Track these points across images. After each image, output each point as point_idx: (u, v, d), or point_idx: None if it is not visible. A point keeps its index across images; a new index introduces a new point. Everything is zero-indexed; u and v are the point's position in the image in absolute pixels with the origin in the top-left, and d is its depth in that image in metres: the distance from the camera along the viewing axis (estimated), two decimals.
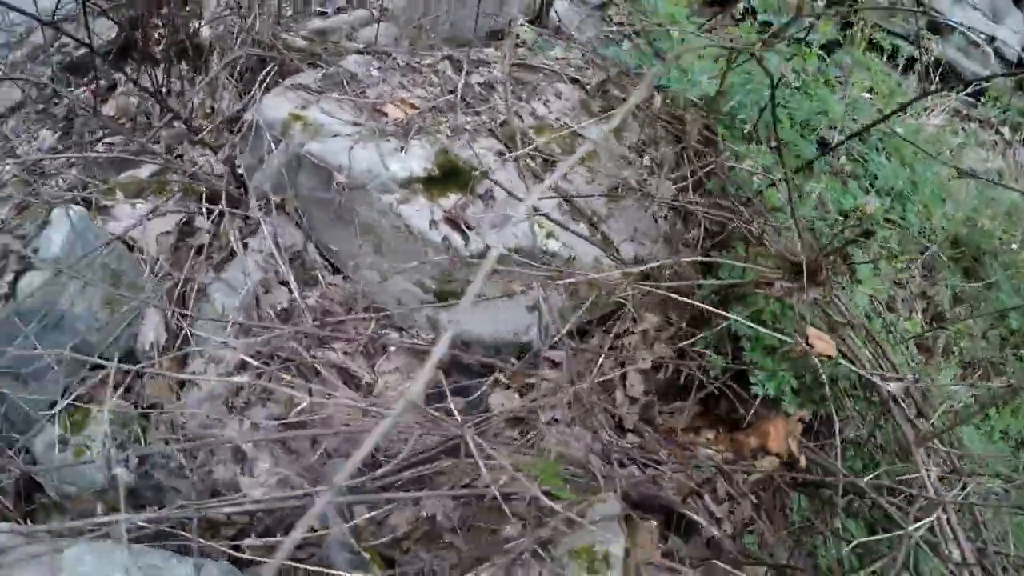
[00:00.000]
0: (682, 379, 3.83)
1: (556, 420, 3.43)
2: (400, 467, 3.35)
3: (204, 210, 3.89)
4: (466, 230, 3.40)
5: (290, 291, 3.56)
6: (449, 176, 3.50)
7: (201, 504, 2.63)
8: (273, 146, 3.56)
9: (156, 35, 4.46)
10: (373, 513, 3.25)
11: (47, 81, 4.58)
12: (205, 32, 4.46)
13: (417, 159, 3.47)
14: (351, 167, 3.37)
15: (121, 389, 3.73)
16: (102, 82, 4.62)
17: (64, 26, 4.84)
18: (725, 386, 3.80)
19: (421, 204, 3.40)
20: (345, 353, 3.47)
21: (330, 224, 3.57)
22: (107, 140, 4.38)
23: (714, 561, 3.71)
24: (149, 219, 3.80)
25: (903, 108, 3.83)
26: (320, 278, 3.57)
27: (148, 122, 4.37)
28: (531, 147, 3.51)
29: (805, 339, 2.94)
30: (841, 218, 3.76)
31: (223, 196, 3.67)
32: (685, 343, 3.76)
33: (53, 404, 3.56)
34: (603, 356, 3.58)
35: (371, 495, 3.23)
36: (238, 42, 3.99)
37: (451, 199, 3.45)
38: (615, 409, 3.58)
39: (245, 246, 3.66)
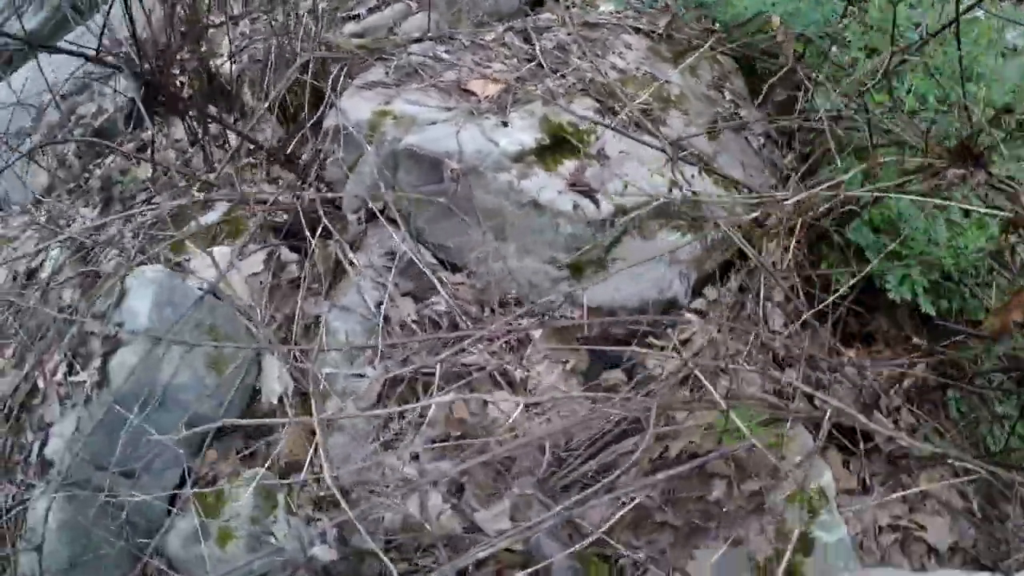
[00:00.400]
0: (815, 304, 3.60)
1: (722, 371, 3.18)
2: (584, 458, 3.08)
3: (290, 243, 3.56)
4: (592, 194, 3.12)
5: (416, 301, 3.24)
6: (559, 143, 3.22)
7: (455, 558, 2.31)
8: (366, 147, 3.22)
9: (178, 83, 4.10)
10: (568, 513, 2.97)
11: (73, 157, 4.19)
12: (227, 67, 4.10)
13: (523, 131, 3.18)
14: (461, 151, 3.06)
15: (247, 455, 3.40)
16: (131, 144, 4.26)
17: (80, 97, 4.49)
18: (854, 306, 3.60)
19: (540, 176, 3.12)
20: (491, 353, 3.17)
21: (441, 220, 3.26)
22: (154, 200, 3.99)
23: (900, 475, 3.52)
24: (239, 260, 3.45)
25: None
26: (442, 280, 3.24)
27: (193, 172, 3.99)
28: (639, 101, 3.25)
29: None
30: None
31: (319, 214, 3.32)
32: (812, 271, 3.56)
33: (173, 499, 3.18)
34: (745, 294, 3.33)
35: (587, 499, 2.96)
36: (285, 57, 3.62)
37: (567, 165, 3.17)
38: (771, 343, 3.33)
39: (352, 264, 3.33)
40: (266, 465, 3.28)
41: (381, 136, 3.23)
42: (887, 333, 3.79)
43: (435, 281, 3.24)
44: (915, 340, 3.64)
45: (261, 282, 3.52)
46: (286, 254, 3.59)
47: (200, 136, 3.86)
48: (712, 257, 3.34)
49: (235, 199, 3.49)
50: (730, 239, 3.32)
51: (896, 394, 3.57)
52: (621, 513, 2.93)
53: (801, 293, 3.63)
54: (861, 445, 3.31)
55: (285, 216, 3.56)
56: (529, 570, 2.34)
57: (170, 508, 3.15)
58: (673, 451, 3.02)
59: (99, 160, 4.49)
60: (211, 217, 3.77)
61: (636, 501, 2.99)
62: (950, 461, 3.45)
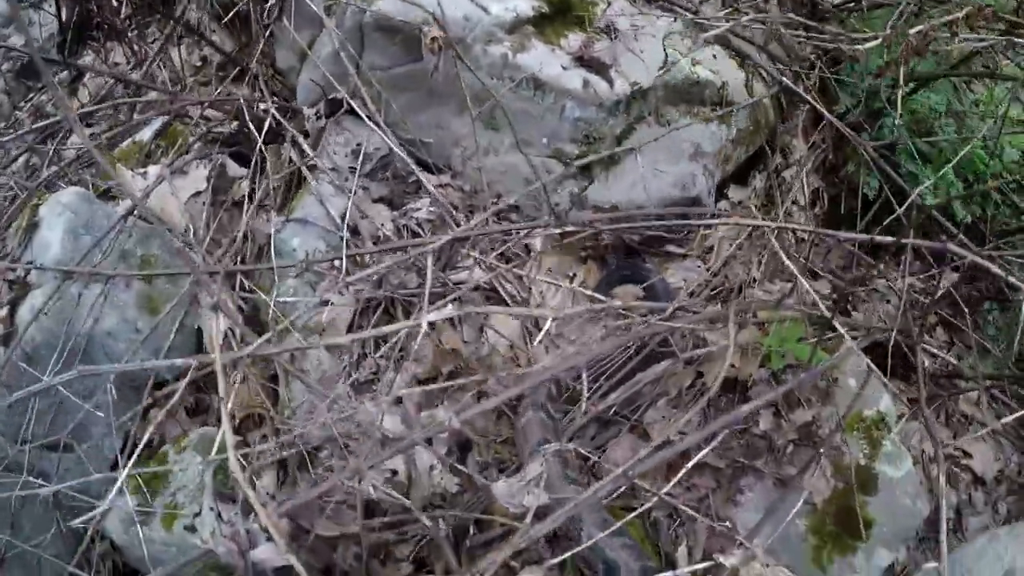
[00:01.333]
0: (842, 209, 2.92)
1: (755, 280, 2.49)
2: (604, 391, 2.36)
3: (236, 151, 2.74)
4: (605, 70, 2.37)
5: (391, 208, 2.47)
6: (561, 11, 2.48)
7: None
8: (325, 20, 2.41)
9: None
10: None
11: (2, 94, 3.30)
12: None
13: None
14: (443, 18, 2.27)
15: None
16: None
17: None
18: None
19: (540, 49, 2.38)
20: (485, 269, 2.41)
21: (419, 110, 2.49)
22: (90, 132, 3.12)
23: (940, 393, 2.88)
24: (172, 176, 2.62)
25: None
26: (423, 183, 2.47)
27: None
28: None
29: None
30: None
31: (267, 110, 2.51)
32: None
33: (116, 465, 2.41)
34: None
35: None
36: None
37: (572, 39, 2.43)
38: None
39: (312, 169, 2.53)
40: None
41: (343, 6, 2.42)
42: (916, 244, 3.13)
43: (420, 177, 2.46)
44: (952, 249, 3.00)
45: (204, 203, 2.70)
46: (233, 168, 2.77)
47: (139, 54, 3.02)
48: (736, 152, 2.62)
49: (168, 103, 2.65)
50: (754, 132, 2.62)
51: (930, 310, 2.93)
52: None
53: (826, 199, 2.96)
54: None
55: (234, 123, 2.73)
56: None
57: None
58: (709, 379, 2.31)
59: (30, 96, 3.61)
60: (146, 134, 2.93)
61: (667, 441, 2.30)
62: (990, 383, 2.84)
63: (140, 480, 2.31)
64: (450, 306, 1.49)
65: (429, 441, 2.07)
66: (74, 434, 2.32)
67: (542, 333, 1.51)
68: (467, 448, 2.12)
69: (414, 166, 2.39)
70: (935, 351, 2.79)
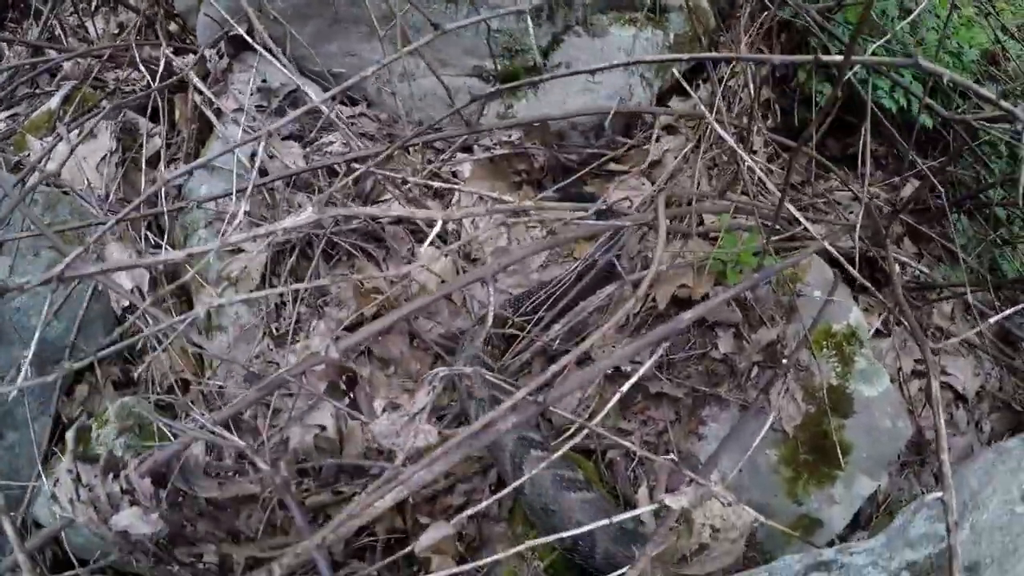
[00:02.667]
0: (795, 121, 2.46)
1: (705, 198, 2.03)
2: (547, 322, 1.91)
3: (140, 104, 2.28)
4: None
5: (302, 145, 2.01)
6: None
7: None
8: None
9: None
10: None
11: None
12: None
13: None
14: None
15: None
16: None
17: None
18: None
19: None
20: (408, 200, 1.96)
21: (327, 39, 2.05)
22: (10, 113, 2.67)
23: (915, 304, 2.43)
24: (74, 137, 2.17)
25: None
26: (335, 117, 2.01)
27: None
28: None
29: None
30: None
31: (164, 56, 2.05)
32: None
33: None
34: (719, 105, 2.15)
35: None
36: None
37: None
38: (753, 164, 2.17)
39: (218, 114, 2.08)
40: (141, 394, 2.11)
41: None
42: (875, 153, 2.68)
43: (336, 116, 2.01)
44: (911, 158, 2.56)
45: (115, 163, 2.26)
46: (144, 125, 2.32)
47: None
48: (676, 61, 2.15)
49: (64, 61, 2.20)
50: (693, 38, 2.16)
51: (896, 222, 2.47)
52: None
53: (779, 110, 2.49)
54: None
55: (142, 78, 2.27)
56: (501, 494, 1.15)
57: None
58: (661, 301, 1.86)
59: None
60: (54, 102, 2.48)
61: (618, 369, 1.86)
62: (967, 297, 2.38)
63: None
64: (309, 208, 1.04)
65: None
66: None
67: (432, 234, 1.06)
68: (353, 384, 1.68)
69: (313, 96, 1.93)
70: (905, 259, 2.34)
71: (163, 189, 2.15)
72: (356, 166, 1.64)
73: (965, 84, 1.01)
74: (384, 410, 1.60)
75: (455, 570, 1.01)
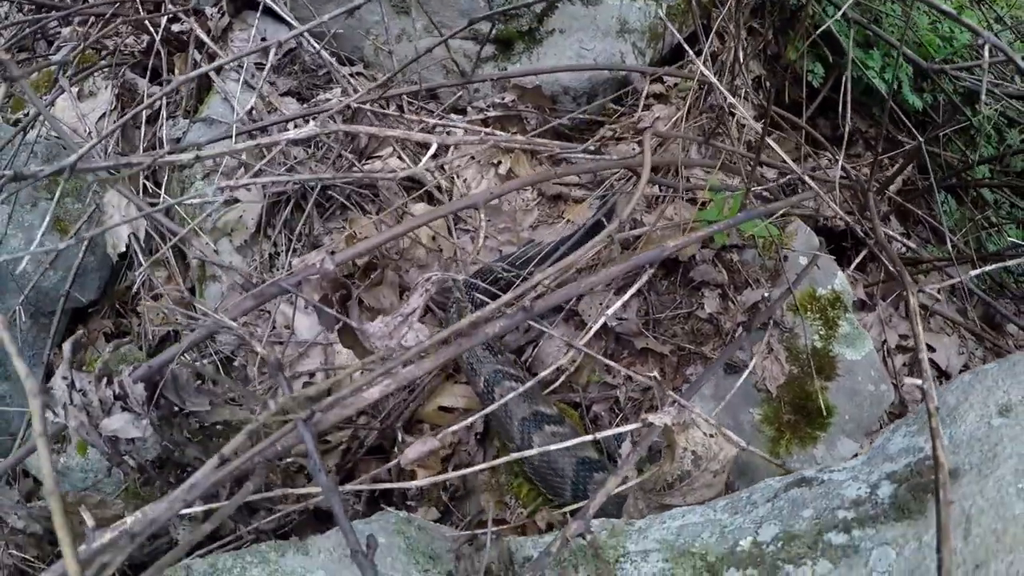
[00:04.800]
0: (786, 99, 2.52)
1: (693, 154, 2.08)
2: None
3: (142, 64, 2.33)
4: None
5: (300, 101, 2.06)
6: None
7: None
8: None
9: None
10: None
11: None
12: None
13: None
14: None
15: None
16: None
17: None
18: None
19: None
20: (400, 159, 2.00)
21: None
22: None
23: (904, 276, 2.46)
24: (75, 96, 2.21)
25: None
26: (333, 77, 2.06)
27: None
28: None
29: None
30: None
31: (165, 11, 2.10)
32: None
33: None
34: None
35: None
36: None
37: None
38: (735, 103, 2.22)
39: (218, 71, 2.12)
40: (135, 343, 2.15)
41: None
42: (865, 134, 2.74)
43: (334, 76, 2.06)
44: (900, 138, 2.61)
45: (114, 121, 2.30)
46: (143, 85, 2.36)
47: None
48: (668, 31, 2.21)
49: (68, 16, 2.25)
50: (687, 9, 2.22)
51: (883, 200, 2.53)
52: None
53: (768, 85, 2.55)
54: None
55: (144, 45, 2.32)
56: (472, 418, 1.19)
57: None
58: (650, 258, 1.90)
59: None
60: (54, 60, 2.52)
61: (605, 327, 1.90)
62: (951, 267, 2.43)
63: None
64: (311, 123, 1.08)
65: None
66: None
67: (428, 156, 1.10)
68: (347, 298, 1.72)
69: (325, 54, 1.98)
70: (892, 235, 2.39)
71: (161, 144, 2.20)
72: (355, 105, 1.68)
73: (948, 11, 1.05)
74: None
75: (436, 478, 1.04)
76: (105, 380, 1.14)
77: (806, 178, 1.40)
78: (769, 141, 1.36)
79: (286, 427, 0.86)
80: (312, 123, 1.10)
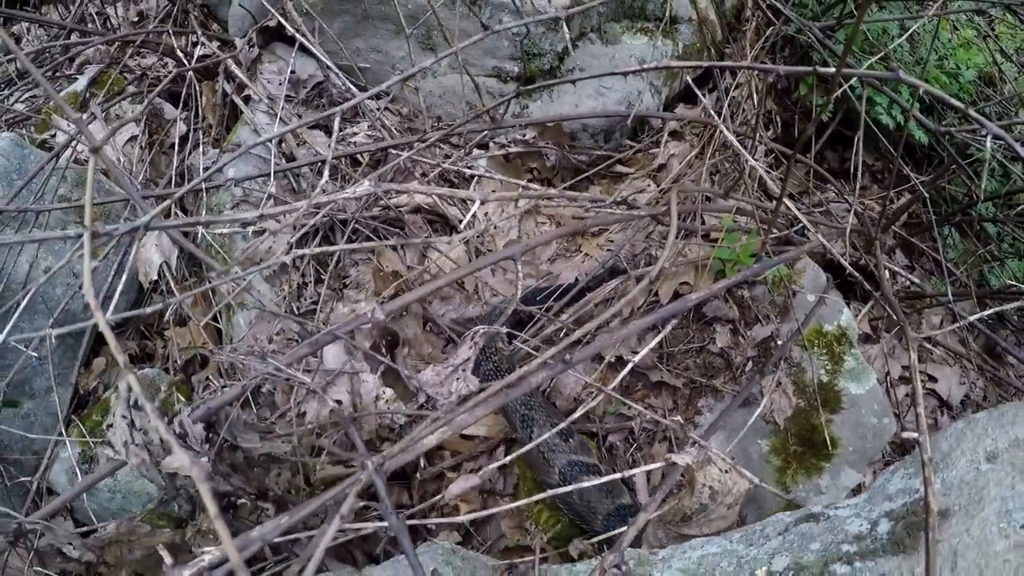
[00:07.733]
0: (796, 132, 2.68)
1: (708, 199, 2.24)
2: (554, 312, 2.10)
3: (170, 91, 2.47)
4: None
5: (327, 135, 2.21)
6: None
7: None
8: None
9: None
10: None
11: None
12: None
13: None
14: None
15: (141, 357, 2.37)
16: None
17: None
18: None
19: None
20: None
21: (355, 34, 2.24)
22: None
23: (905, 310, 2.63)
24: (103, 120, 2.35)
25: None
26: (359, 109, 2.21)
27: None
28: None
29: None
30: None
31: (198, 43, 2.24)
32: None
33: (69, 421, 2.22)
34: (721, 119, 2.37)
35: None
36: None
37: None
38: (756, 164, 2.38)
39: (246, 100, 2.26)
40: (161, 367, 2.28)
41: None
42: (872, 167, 2.91)
43: (360, 109, 2.20)
44: (906, 173, 2.77)
45: (142, 146, 2.43)
46: (170, 111, 2.50)
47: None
48: (684, 70, 2.37)
49: (100, 44, 2.38)
50: (701, 48, 2.37)
51: (888, 234, 2.69)
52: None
53: (780, 122, 2.71)
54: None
55: (171, 65, 2.45)
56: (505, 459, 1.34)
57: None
58: (664, 295, 2.06)
59: None
60: (81, 83, 2.65)
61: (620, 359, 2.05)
62: (951, 305, 2.59)
63: (84, 430, 2.08)
64: (366, 182, 1.23)
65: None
66: (17, 387, 2.09)
67: (470, 214, 1.25)
68: (394, 345, 1.87)
69: (352, 87, 2.12)
70: (896, 269, 2.55)
71: (190, 172, 2.35)
72: (394, 152, 1.83)
73: (940, 96, 1.21)
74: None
75: (470, 516, 1.19)
76: (167, 422, 1.28)
77: (820, 238, 1.55)
78: (786, 202, 1.51)
79: (358, 472, 1.01)
80: (367, 182, 1.24)
